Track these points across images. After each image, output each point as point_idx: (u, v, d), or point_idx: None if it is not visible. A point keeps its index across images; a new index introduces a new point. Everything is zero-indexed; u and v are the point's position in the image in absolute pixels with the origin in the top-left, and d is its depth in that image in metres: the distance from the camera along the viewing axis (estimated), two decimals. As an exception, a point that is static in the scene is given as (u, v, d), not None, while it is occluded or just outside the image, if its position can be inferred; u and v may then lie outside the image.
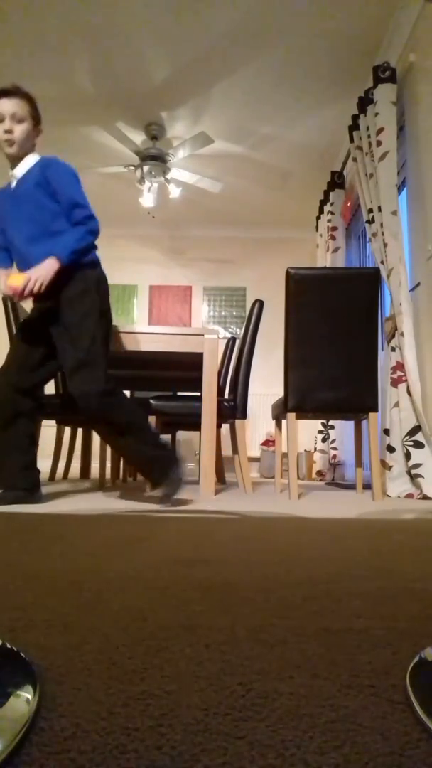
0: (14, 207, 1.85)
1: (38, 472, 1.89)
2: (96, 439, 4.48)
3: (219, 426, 3.00)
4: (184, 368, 2.49)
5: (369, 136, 3.16)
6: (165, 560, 0.84)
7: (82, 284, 1.82)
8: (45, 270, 1.71)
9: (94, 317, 1.81)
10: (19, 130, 1.80)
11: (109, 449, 3.10)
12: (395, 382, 2.70)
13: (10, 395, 1.85)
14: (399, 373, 2.70)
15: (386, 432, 2.72)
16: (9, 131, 1.78)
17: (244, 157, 4.71)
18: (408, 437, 2.58)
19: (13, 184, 1.88)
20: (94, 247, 1.87)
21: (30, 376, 1.88)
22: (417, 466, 2.50)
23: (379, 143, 2.93)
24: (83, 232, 1.79)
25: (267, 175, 4.96)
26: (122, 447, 1.85)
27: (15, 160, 1.86)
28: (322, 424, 4.40)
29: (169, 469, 1.84)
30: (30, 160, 1.87)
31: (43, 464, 4.18)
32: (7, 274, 1.77)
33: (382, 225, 2.88)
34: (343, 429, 4.24)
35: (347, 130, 3.63)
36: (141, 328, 2.34)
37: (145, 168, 4.33)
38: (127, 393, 4.10)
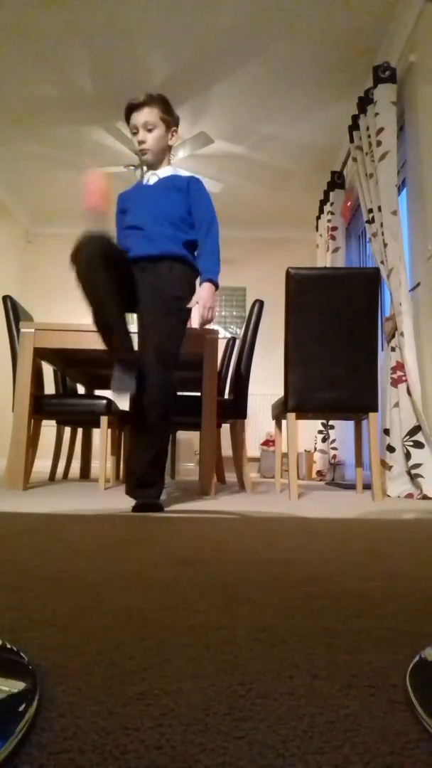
0: (150, 196, 1.94)
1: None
2: (96, 439, 4.48)
3: (219, 426, 3.00)
4: (184, 368, 2.49)
5: (369, 136, 3.16)
6: (165, 560, 0.84)
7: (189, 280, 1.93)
8: (210, 297, 1.84)
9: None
10: (152, 138, 1.88)
11: (109, 449, 3.09)
12: (395, 382, 2.70)
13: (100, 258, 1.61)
14: (399, 373, 2.70)
15: (386, 432, 2.72)
16: (142, 141, 1.87)
17: (244, 157, 4.70)
18: (408, 437, 2.58)
19: (151, 180, 1.98)
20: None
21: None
22: (417, 466, 2.50)
23: (379, 143, 2.93)
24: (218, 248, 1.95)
25: (267, 175, 4.96)
26: (148, 443, 1.74)
27: (152, 167, 1.97)
28: (322, 424, 4.40)
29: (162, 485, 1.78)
30: (169, 169, 1.99)
31: (43, 464, 4.19)
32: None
33: (382, 225, 2.88)
34: (343, 429, 4.24)
35: (347, 130, 3.63)
36: (141, 328, 2.32)
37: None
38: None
